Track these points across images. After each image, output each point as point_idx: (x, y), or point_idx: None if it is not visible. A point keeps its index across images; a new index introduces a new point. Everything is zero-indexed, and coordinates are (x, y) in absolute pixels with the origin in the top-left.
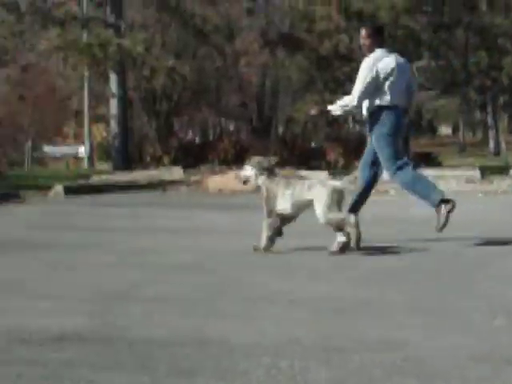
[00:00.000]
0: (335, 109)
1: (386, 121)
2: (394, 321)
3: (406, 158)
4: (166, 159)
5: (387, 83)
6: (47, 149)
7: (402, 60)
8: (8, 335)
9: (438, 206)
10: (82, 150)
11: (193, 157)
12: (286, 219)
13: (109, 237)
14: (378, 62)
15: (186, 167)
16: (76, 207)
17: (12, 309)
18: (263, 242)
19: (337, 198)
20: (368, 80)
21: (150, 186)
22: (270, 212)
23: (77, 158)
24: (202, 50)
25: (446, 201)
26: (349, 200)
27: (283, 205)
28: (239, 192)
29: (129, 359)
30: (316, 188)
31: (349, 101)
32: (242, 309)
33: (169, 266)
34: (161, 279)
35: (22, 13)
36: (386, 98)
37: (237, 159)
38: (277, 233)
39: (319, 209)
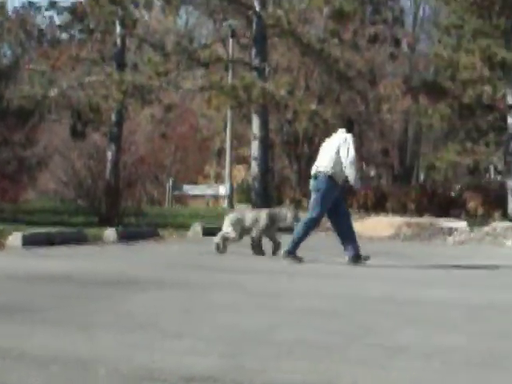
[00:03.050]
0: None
1: None
2: None
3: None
4: (305, 202)
5: None
6: (188, 188)
7: (333, 137)
8: (137, 373)
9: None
10: (223, 191)
11: None
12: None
13: (244, 278)
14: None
15: None
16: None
17: (142, 346)
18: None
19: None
20: None
21: (291, 229)
22: None
23: (217, 198)
24: (344, 95)
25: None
26: None
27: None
28: (384, 238)
29: None
30: None
31: None
32: (373, 357)
33: (302, 309)
34: (294, 323)
35: (167, 52)
36: None
37: (377, 206)
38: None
39: None
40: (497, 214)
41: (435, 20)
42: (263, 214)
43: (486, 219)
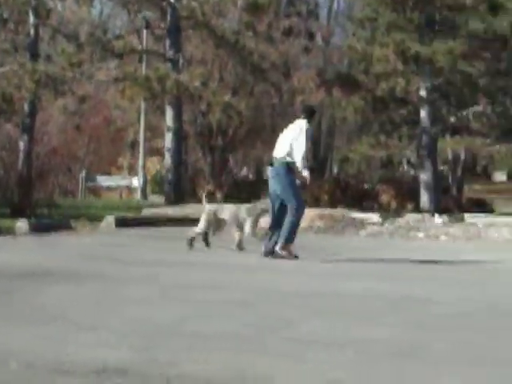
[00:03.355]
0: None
1: None
2: None
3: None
4: (219, 194)
5: None
6: (101, 179)
7: (292, 125)
8: (49, 366)
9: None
10: (136, 182)
11: (246, 193)
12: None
13: (157, 270)
14: None
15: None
16: (127, 239)
17: (55, 339)
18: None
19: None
20: None
21: None
22: None
23: (130, 189)
24: (258, 87)
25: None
26: None
27: None
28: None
29: None
30: None
31: None
32: (288, 349)
33: (214, 301)
34: (206, 315)
35: (81, 43)
36: None
37: None
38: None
39: None
40: (410, 207)
41: (349, 13)
42: (244, 210)
43: (398, 212)
